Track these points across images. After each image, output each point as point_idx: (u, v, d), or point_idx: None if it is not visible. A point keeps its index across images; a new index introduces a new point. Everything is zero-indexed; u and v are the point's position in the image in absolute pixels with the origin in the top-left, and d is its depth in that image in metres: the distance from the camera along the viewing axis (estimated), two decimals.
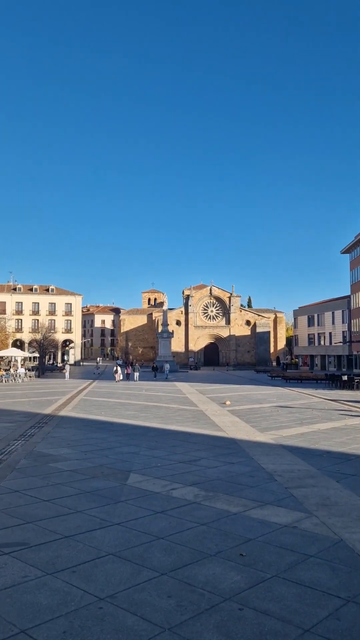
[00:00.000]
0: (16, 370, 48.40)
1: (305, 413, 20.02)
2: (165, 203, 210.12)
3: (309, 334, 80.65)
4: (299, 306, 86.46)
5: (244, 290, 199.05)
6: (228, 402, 23.61)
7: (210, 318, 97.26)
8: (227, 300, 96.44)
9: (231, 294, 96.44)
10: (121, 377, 43.91)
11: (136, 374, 45.89)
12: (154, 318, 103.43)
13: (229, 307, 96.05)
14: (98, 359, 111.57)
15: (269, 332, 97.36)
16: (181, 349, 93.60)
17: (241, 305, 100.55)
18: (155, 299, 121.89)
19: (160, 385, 38.54)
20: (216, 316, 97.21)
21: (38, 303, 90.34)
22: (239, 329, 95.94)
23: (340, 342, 67.40)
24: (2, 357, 60.91)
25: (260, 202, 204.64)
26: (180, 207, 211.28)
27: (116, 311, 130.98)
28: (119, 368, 45.13)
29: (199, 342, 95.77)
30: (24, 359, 68.20)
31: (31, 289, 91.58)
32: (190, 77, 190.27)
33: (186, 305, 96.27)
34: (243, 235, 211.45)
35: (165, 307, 75.33)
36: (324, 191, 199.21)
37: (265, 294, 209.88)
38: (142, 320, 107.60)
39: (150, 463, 10.50)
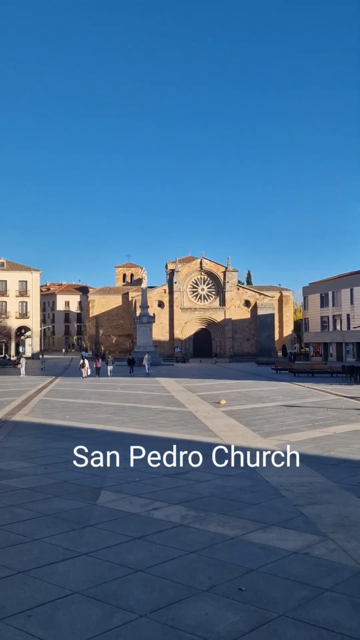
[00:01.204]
0: None
1: (318, 413, 20.16)
2: (144, 158, 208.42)
3: (322, 317, 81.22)
4: (310, 282, 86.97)
5: (241, 263, 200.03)
6: (223, 402, 23.69)
7: (200, 298, 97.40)
8: (221, 275, 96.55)
9: (226, 268, 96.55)
10: (89, 373, 43.90)
11: (109, 368, 46.05)
12: (130, 299, 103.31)
13: (224, 284, 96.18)
14: (63, 349, 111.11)
15: (273, 314, 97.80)
16: (165, 337, 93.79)
17: (239, 282, 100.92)
18: (131, 275, 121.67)
19: (139, 382, 38.55)
20: (208, 296, 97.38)
21: None
22: (236, 311, 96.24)
23: None
24: None
25: (258, 157, 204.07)
26: (163, 164, 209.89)
27: (83, 290, 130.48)
28: (86, 361, 45.05)
29: (186, 328, 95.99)
30: None
31: None
32: (182, 47, 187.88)
33: (170, 283, 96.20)
34: (239, 198, 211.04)
35: (144, 285, 75.00)
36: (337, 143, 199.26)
37: (267, 268, 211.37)
38: (116, 301, 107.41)
39: (126, 477, 10.47)
